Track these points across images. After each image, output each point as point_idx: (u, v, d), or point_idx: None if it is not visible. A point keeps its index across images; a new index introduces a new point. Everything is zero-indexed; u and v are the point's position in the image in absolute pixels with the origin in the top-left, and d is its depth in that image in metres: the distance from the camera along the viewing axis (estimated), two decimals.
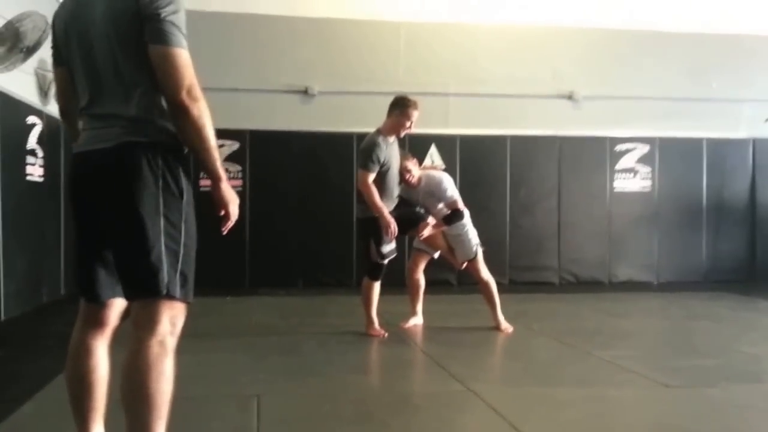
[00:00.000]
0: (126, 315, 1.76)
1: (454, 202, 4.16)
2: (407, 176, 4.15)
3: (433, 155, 6.81)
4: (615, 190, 7.18)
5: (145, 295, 1.62)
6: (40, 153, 5.16)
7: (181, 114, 1.59)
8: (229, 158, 6.54)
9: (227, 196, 1.71)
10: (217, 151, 1.66)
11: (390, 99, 4.05)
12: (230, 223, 1.75)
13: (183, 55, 1.59)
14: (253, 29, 6.74)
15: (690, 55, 7.29)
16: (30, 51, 4.33)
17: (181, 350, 1.67)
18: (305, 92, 6.80)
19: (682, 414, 2.58)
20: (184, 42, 1.60)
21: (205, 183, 1.73)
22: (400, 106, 3.94)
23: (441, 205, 4.19)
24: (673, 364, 3.41)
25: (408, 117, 3.91)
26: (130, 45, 1.60)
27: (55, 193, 5.49)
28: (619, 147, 7.19)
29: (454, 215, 4.14)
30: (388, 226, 3.84)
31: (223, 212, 1.72)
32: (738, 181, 7.35)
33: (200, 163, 1.67)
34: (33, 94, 5.18)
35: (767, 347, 3.89)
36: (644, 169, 7.22)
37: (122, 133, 1.62)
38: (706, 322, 4.84)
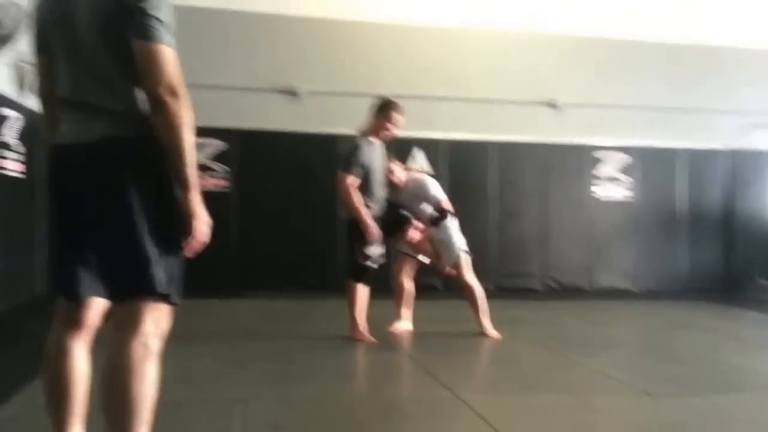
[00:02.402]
0: (109, 316, 1.69)
1: (439, 202, 4.16)
2: (390, 176, 4.14)
3: (420, 159, 6.80)
4: (597, 199, 7.26)
5: (130, 294, 1.57)
6: (17, 147, 5.02)
7: (158, 108, 1.52)
8: (215, 158, 6.45)
9: (195, 209, 1.56)
10: (192, 155, 1.54)
11: (375, 101, 4.03)
12: (195, 244, 1.58)
13: (165, 52, 1.52)
14: (240, 26, 6.66)
15: (671, 66, 7.41)
16: (5, 40, 4.21)
17: (164, 353, 1.62)
18: (291, 92, 6.75)
19: (666, 423, 2.60)
20: (168, 38, 1.53)
21: None
22: (384, 109, 3.92)
23: (426, 207, 4.19)
24: (656, 373, 3.44)
25: (389, 119, 3.89)
26: (115, 37, 1.53)
27: (33, 188, 5.34)
28: (601, 155, 7.28)
29: (441, 216, 4.15)
30: (368, 229, 3.82)
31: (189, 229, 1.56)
32: (717, 192, 7.48)
33: (172, 166, 1.54)
34: (9, 85, 5.03)
35: (748, 357, 3.94)
36: (625, 178, 7.32)
37: (108, 127, 1.56)
38: (687, 332, 4.90)
